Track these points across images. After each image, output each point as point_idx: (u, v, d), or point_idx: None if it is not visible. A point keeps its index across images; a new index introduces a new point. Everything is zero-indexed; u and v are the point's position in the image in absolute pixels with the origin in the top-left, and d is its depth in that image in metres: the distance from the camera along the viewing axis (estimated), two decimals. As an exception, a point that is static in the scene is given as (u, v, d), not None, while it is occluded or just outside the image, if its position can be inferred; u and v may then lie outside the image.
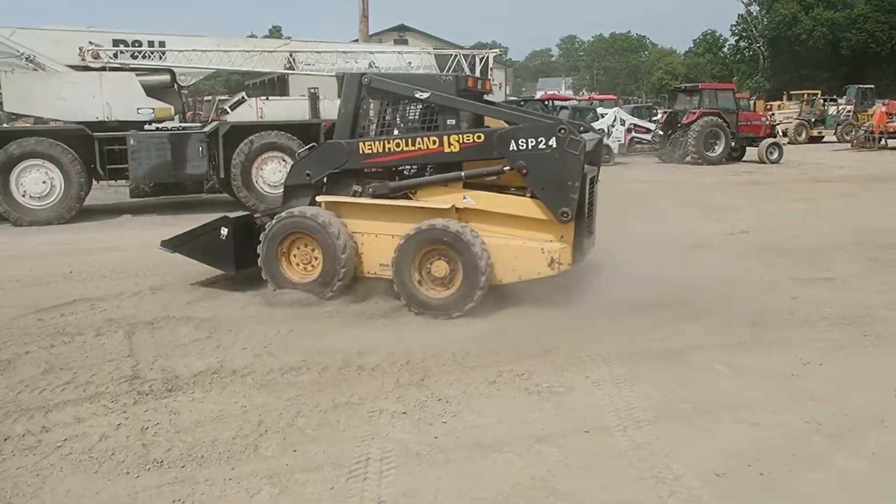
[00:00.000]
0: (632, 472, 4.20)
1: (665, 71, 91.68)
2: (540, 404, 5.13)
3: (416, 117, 7.79)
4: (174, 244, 8.36)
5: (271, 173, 14.84)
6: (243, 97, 15.79)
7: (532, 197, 7.32)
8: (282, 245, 7.77)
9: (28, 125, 14.17)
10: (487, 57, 15.94)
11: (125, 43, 14.87)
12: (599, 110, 29.45)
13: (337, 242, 7.45)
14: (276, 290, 7.76)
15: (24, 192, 13.55)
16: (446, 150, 7.33)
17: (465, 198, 7.43)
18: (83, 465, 4.23)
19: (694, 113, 25.58)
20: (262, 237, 7.81)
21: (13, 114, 14.22)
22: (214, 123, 14.88)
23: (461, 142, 7.29)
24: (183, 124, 15.09)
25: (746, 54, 76.05)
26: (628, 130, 28.33)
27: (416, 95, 7.58)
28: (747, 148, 26.74)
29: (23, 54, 14.17)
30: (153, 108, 14.56)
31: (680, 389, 5.37)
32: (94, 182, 14.80)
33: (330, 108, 15.23)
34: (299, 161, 8.17)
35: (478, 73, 15.75)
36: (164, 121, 14.65)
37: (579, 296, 7.54)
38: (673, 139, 26.19)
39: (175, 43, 15.12)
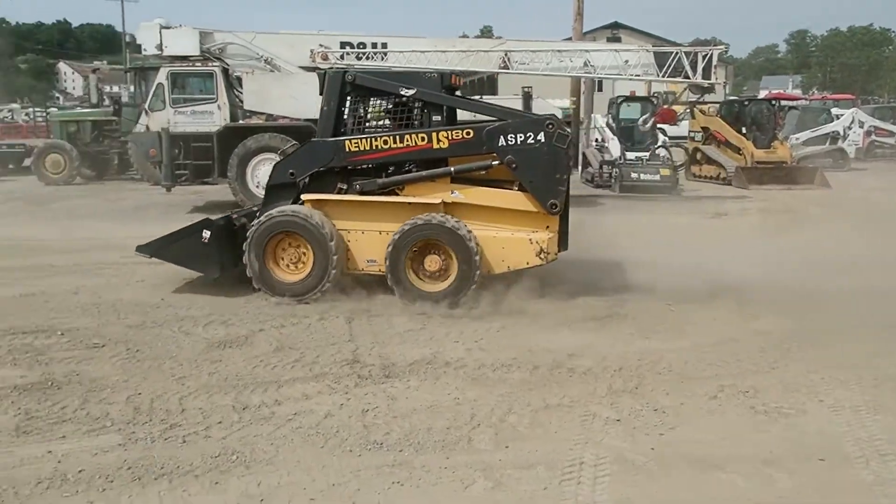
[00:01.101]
0: (877, 509, 3.78)
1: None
2: (767, 425, 4.77)
3: (402, 114, 7.80)
4: (151, 249, 8.07)
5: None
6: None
7: (520, 190, 7.51)
8: (269, 245, 7.65)
9: (261, 122, 15.35)
10: (711, 54, 15.11)
11: (351, 45, 15.71)
12: (834, 111, 27.19)
13: (330, 243, 7.43)
14: (259, 289, 7.65)
15: (258, 183, 14.72)
16: (435, 146, 7.45)
17: (453, 192, 7.54)
18: (311, 439, 4.48)
19: (950, 114, 22.94)
20: (248, 237, 7.66)
21: (249, 111, 15.47)
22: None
23: (450, 138, 7.41)
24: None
25: None
26: (867, 133, 25.93)
27: (402, 92, 7.63)
28: None
29: (262, 57, 15.41)
30: (375, 107, 15.27)
31: (934, 423, 4.78)
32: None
33: (542, 107, 15.20)
34: (282, 161, 8.07)
35: (700, 72, 15.04)
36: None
37: (807, 311, 7.00)
38: (924, 144, 23.63)
39: (396, 44, 15.76)
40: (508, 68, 15.44)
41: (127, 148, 17.28)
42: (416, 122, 7.77)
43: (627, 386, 5.42)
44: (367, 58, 15.45)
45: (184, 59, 15.12)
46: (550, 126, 7.28)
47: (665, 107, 26.86)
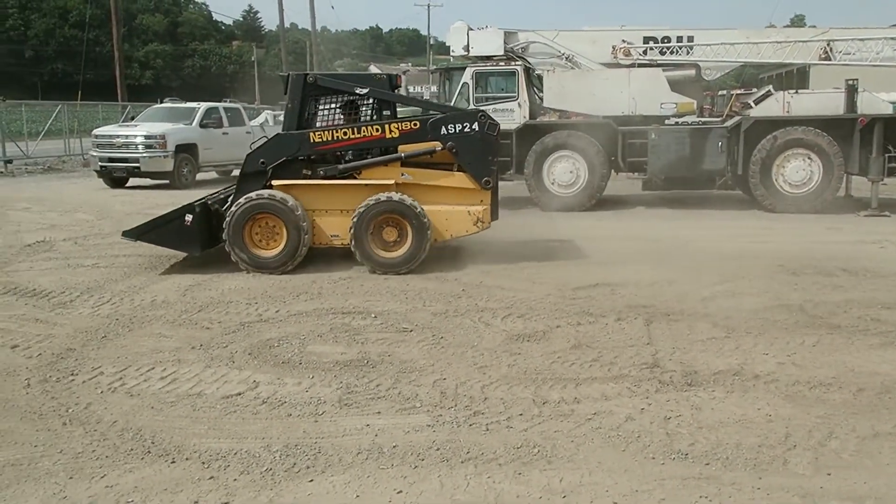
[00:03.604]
0: None
1: None
2: None
3: (356, 110, 9.23)
4: (136, 234, 9.17)
5: (794, 171, 13.89)
6: (770, 91, 15.01)
7: (458, 170, 8.94)
8: (246, 225, 8.82)
9: (555, 119, 15.46)
10: None
11: (655, 39, 15.28)
12: None
13: (300, 219, 8.71)
14: (239, 263, 8.80)
15: (553, 180, 14.91)
16: (388, 136, 8.84)
17: (403, 175, 8.90)
18: (612, 441, 4.39)
19: None
20: (229, 218, 8.80)
21: (543, 108, 15.66)
22: (737, 118, 14.47)
23: (400, 129, 8.83)
24: (702, 119, 14.99)
25: None
26: None
27: (357, 91, 9.03)
28: None
29: (563, 54, 15.56)
30: (676, 103, 14.75)
31: None
32: (613, 173, 15.56)
33: (869, 102, 13.66)
34: (253, 152, 9.09)
35: None
36: (685, 115, 14.73)
37: None
38: None
39: (703, 37, 15.04)
40: (830, 59, 14.06)
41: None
42: (369, 117, 9.25)
43: (979, 423, 4.65)
44: (672, 52, 14.95)
45: (487, 58, 15.73)
46: (483, 117, 8.85)
47: None
